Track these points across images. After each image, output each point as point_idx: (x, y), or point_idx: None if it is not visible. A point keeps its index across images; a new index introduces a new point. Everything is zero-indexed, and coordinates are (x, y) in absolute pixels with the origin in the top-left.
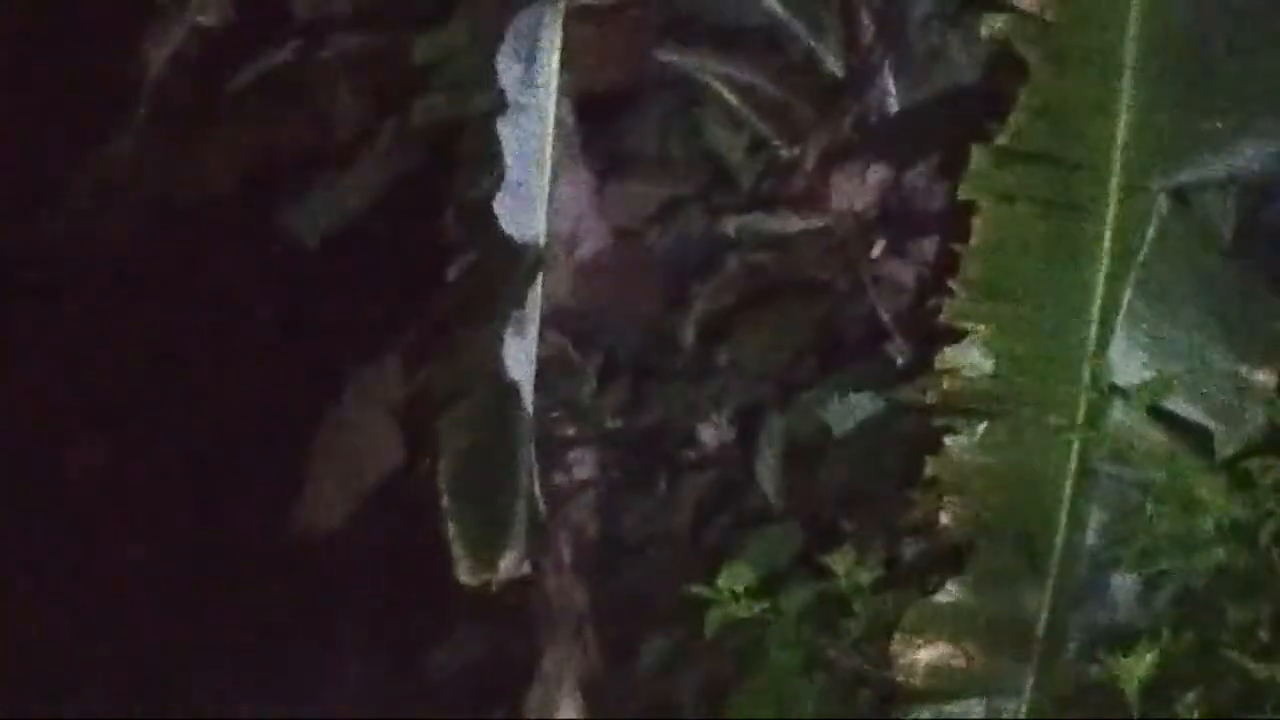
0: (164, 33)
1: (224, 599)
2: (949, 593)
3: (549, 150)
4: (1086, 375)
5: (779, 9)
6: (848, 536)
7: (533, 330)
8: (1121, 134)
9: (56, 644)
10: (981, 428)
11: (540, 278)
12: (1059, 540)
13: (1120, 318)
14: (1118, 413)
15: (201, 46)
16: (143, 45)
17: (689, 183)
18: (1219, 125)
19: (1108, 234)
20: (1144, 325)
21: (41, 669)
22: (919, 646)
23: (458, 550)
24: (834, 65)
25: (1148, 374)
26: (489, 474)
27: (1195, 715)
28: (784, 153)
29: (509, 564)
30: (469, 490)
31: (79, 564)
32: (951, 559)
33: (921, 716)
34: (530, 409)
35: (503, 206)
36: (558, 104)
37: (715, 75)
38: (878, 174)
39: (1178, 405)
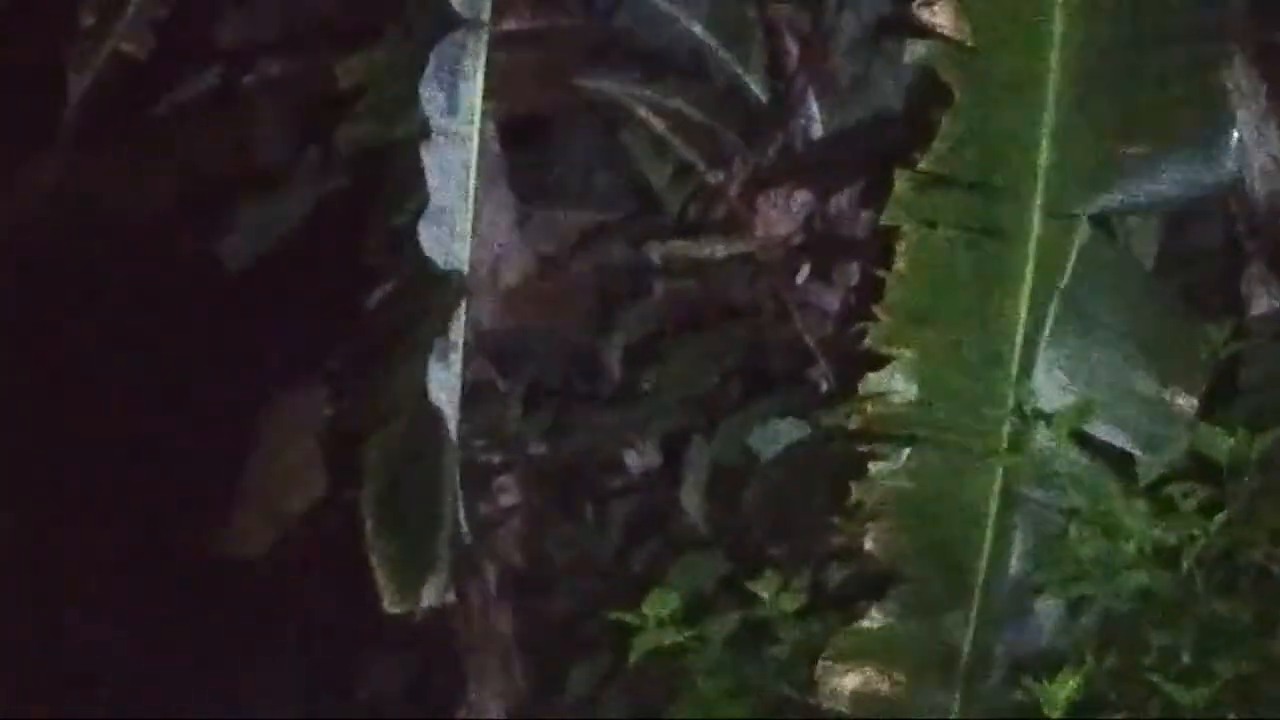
0: (85, 60)
1: (148, 626)
2: (874, 619)
3: (473, 176)
4: (1010, 400)
5: (704, 35)
6: (773, 562)
7: (457, 357)
8: (1044, 160)
9: None
10: (906, 453)
11: (464, 304)
12: (983, 565)
13: (1043, 343)
14: (1041, 438)
15: (124, 73)
16: (64, 72)
17: (614, 209)
18: (1143, 150)
19: (1030, 259)
20: (1067, 350)
21: None
22: (844, 672)
23: (382, 578)
24: (759, 91)
25: (1071, 399)
26: (413, 501)
27: None
28: (709, 178)
29: (433, 592)
30: (393, 518)
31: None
32: (877, 585)
33: None
34: (454, 436)
35: (426, 233)
36: (482, 130)
37: (640, 101)
38: (802, 199)
39: (1101, 430)
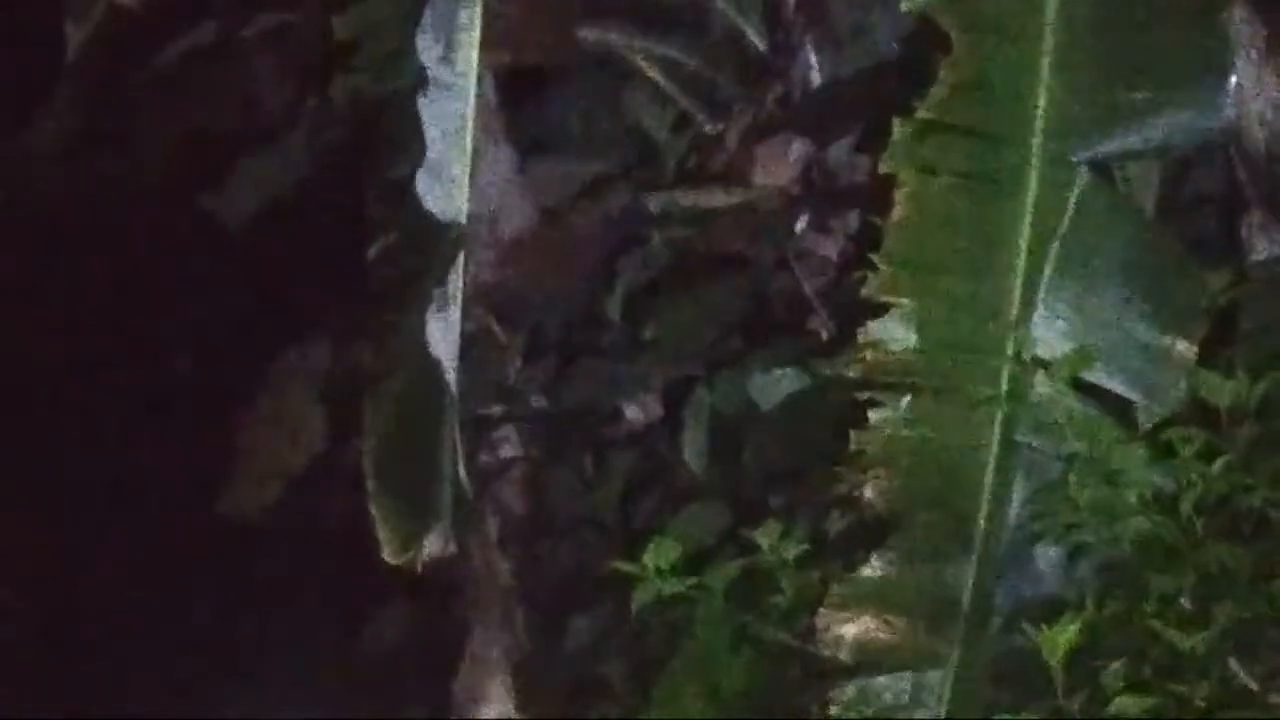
0: (83, 13)
1: (152, 580)
2: (874, 567)
3: (470, 128)
4: (1009, 348)
5: None
6: (773, 511)
7: (456, 309)
8: (1042, 106)
9: None
10: (905, 401)
11: (463, 256)
12: (983, 513)
13: (1042, 290)
14: (1040, 385)
15: (121, 27)
16: (62, 26)
17: (613, 160)
18: (1139, 97)
19: (1029, 206)
20: (1065, 297)
21: None
22: (845, 621)
23: (383, 530)
24: (757, 41)
25: (1069, 346)
26: (413, 454)
27: (1119, 685)
28: (708, 129)
29: (434, 544)
30: (393, 470)
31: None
32: (877, 533)
33: (848, 690)
34: (454, 388)
35: (424, 185)
36: (480, 82)
37: (639, 52)
38: (801, 149)
39: (1100, 377)
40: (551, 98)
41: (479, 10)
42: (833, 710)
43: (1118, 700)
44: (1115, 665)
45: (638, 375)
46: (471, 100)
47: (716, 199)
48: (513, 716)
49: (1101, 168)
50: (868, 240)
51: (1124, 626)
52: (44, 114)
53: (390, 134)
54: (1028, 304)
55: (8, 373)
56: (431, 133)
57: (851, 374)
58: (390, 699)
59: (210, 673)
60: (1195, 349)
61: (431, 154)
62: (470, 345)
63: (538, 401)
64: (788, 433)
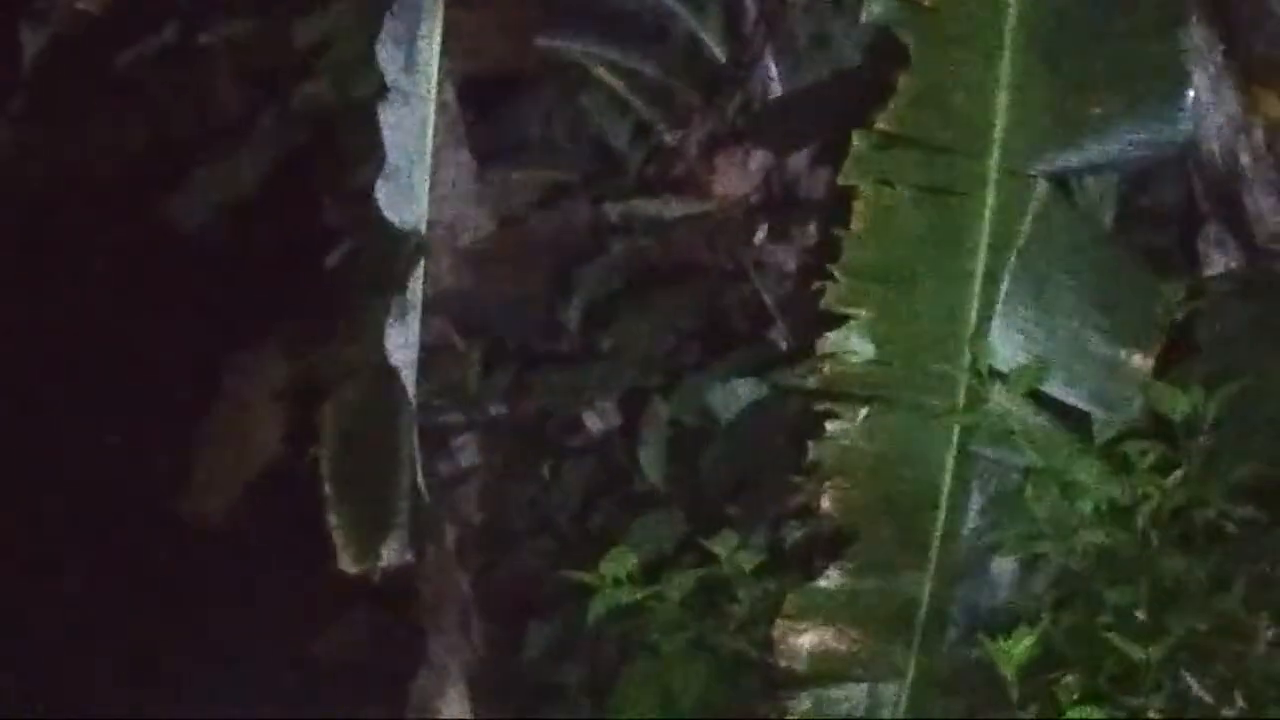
0: (42, 17)
1: (106, 585)
2: (831, 577)
3: (430, 136)
4: (966, 360)
5: None
6: (731, 521)
7: (415, 317)
8: (1001, 119)
9: None
10: (863, 412)
11: (422, 264)
12: (939, 524)
13: (999, 302)
14: (997, 397)
15: (80, 31)
16: (20, 30)
17: (572, 169)
18: (1098, 110)
19: (987, 219)
20: (1023, 310)
21: None
22: (802, 631)
23: (340, 538)
24: (717, 51)
25: (1027, 358)
26: (371, 462)
27: (1074, 696)
28: (668, 138)
29: (391, 552)
30: (351, 478)
31: None
32: (834, 543)
33: (804, 700)
34: (413, 396)
35: (384, 192)
36: (440, 89)
37: (599, 61)
38: (760, 159)
39: (1057, 389)
40: (511, 107)
41: (439, 20)
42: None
43: (1072, 711)
44: (1070, 677)
45: (596, 384)
46: (431, 109)
47: (676, 209)
48: None
49: (1059, 181)
50: (827, 251)
51: (1079, 638)
52: (1, 117)
53: (350, 142)
54: (985, 316)
55: None
56: (391, 141)
57: (810, 384)
58: (347, 706)
59: (166, 676)
60: (1151, 362)
61: (391, 162)
62: (429, 354)
63: (496, 410)
64: (746, 443)
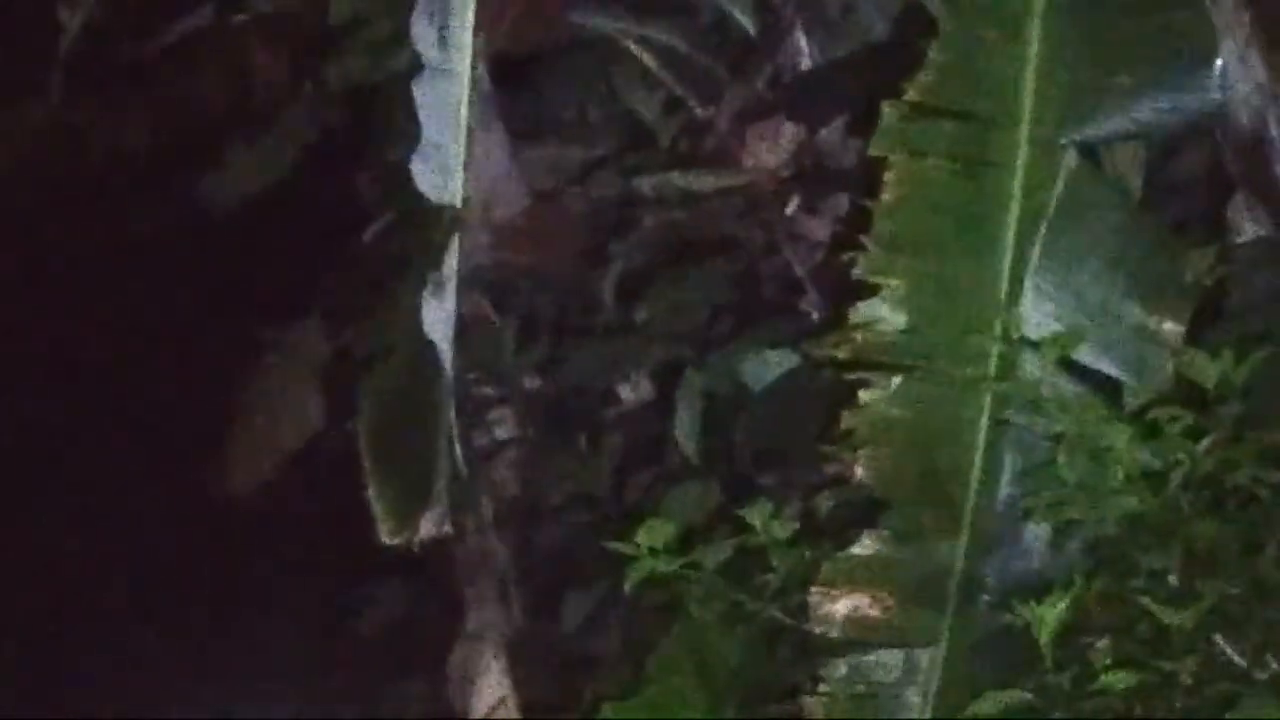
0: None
1: (147, 561)
2: (865, 545)
3: (464, 112)
4: (998, 328)
5: None
6: (765, 491)
7: (451, 291)
8: (1030, 88)
9: None
10: (895, 381)
11: (457, 239)
12: (972, 492)
13: (1030, 271)
14: (1029, 365)
15: (117, 11)
16: (57, 10)
17: (605, 143)
18: (1128, 79)
19: (1017, 188)
20: (1054, 278)
21: None
22: (836, 599)
23: (378, 510)
24: (747, 24)
25: (1058, 326)
26: (409, 435)
27: (1107, 661)
28: (699, 112)
29: (430, 524)
30: (389, 451)
31: None
32: (867, 512)
33: (839, 667)
34: (449, 369)
35: (419, 168)
36: (473, 66)
37: (630, 36)
38: (791, 132)
39: (1087, 356)
40: (544, 82)
41: None
42: (824, 687)
43: (1105, 676)
44: (1103, 642)
45: (630, 357)
46: (466, 84)
47: (708, 182)
48: (508, 694)
49: (1089, 150)
50: (858, 222)
51: (1112, 603)
52: (38, 98)
53: (385, 118)
54: (1016, 285)
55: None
56: (425, 117)
57: (842, 354)
58: (386, 677)
59: (204, 650)
60: (1182, 329)
61: (426, 138)
62: (465, 328)
63: (532, 383)
64: (779, 413)
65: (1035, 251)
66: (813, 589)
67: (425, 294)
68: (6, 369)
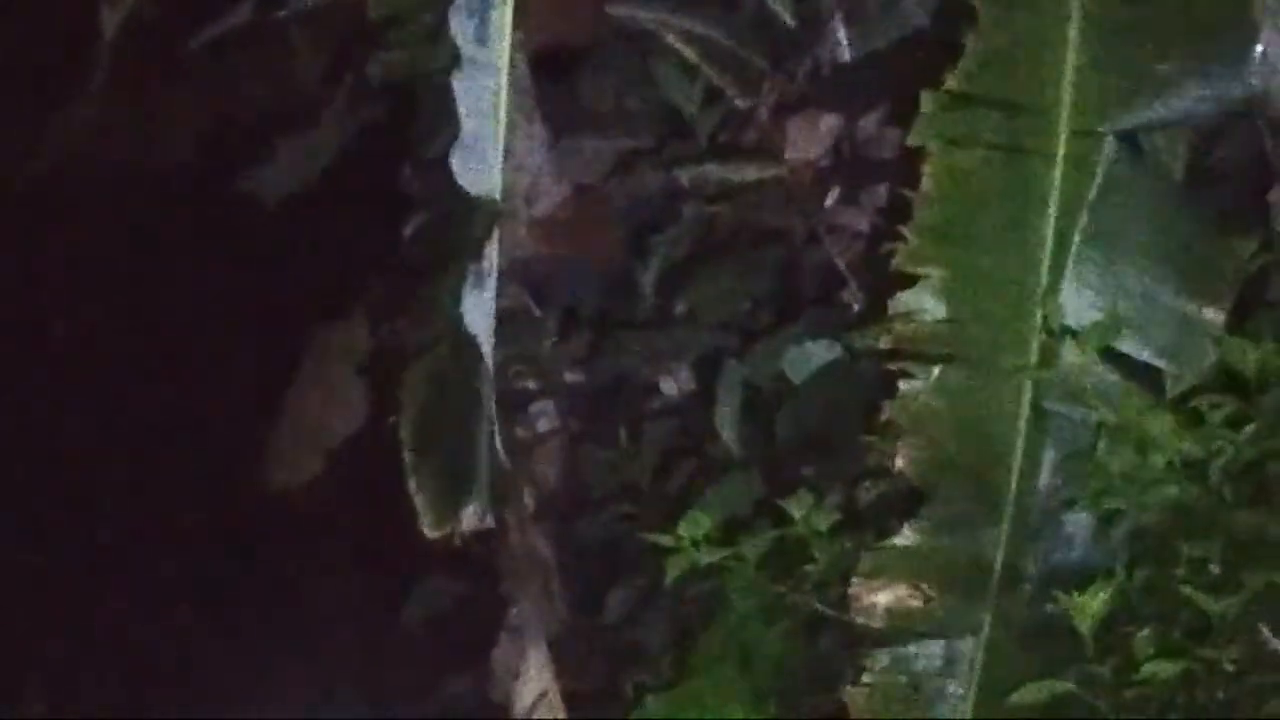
0: None
1: (193, 557)
2: (906, 535)
3: (504, 105)
4: (1038, 317)
5: None
6: (806, 482)
7: (491, 284)
8: (1070, 77)
9: (20, 603)
10: (936, 371)
11: (497, 232)
12: (1014, 481)
13: (1071, 260)
14: (1070, 354)
15: (158, 8)
16: (98, 8)
17: (645, 136)
18: (1168, 68)
19: (1057, 177)
20: (1095, 267)
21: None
22: (877, 589)
23: (421, 504)
24: (786, 16)
25: (1099, 315)
26: (450, 428)
27: (1150, 650)
28: (739, 104)
29: (472, 517)
30: (430, 444)
31: (43, 527)
32: (908, 502)
33: (881, 658)
34: (490, 362)
35: (459, 162)
36: (512, 60)
37: (669, 28)
38: (831, 122)
39: (1129, 345)
40: (584, 75)
41: None
42: (866, 678)
43: (1148, 665)
44: (1145, 630)
45: (671, 349)
46: (505, 78)
47: (748, 173)
48: (550, 687)
49: (1129, 138)
50: (898, 212)
51: (1154, 592)
52: (81, 96)
53: (425, 112)
54: (1057, 274)
55: (47, 349)
56: (465, 111)
57: (882, 345)
58: (430, 672)
59: (248, 646)
60: (1223, 317)
61: (466, 131)
62: (505, 320)
63: (573, 376)
64: (820, 404)
65: (1075, 240)
66: (854, 580)
67: (466, 287)
68: (53, 366)
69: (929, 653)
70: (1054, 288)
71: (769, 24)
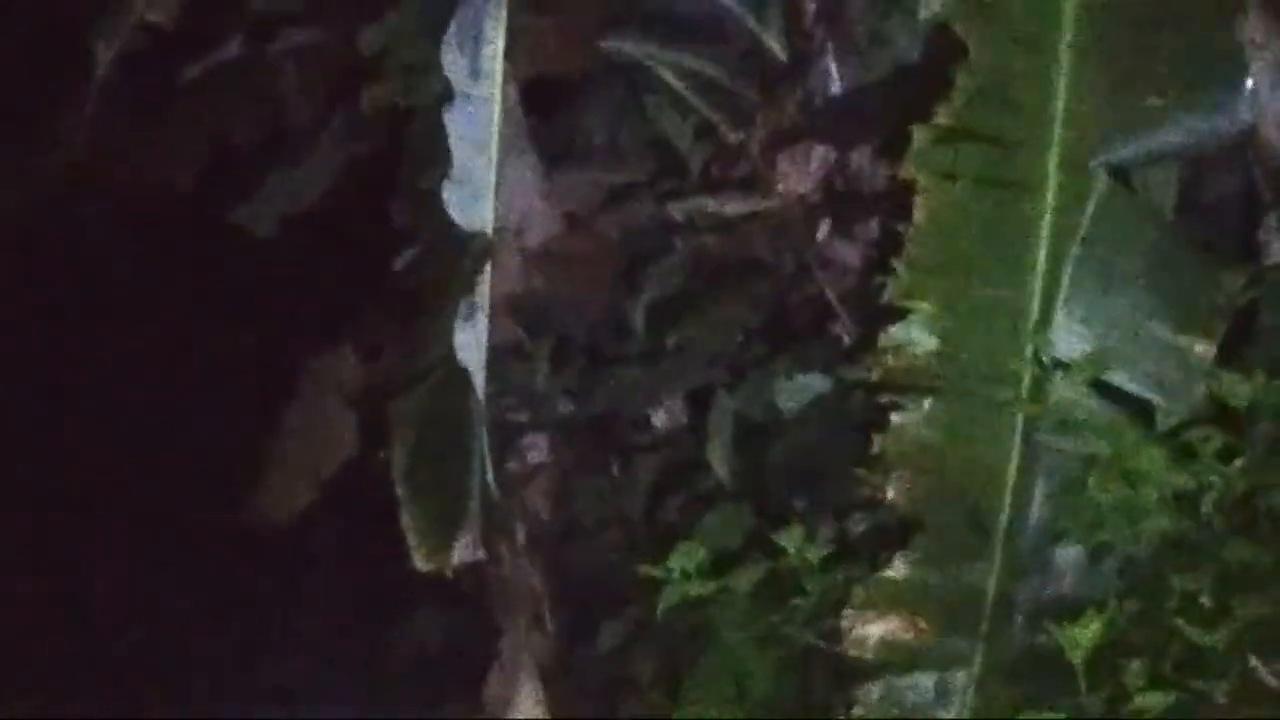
0: (112, 29)
1: (182, 589)
2: (898, 568)
3: (495, 139)
4: (1029, 350)
5: None
6: (798, 515)
7: (482, 317)
8: (1060, 111)
9: (6, 639)
10: (927, 404)
11: (489, 265)
12: (1005, 514)
13: (1062, 293)
14: (1060, 387)
15: (150, 42)
16: (91, 42)
17: (636, 169)
18: (1158, 101)
19: (1048, 210)
20: (1086, 300)
21: None
22: (869, 622)
23: (413, 537)
24: (778, 49)
25: (1089, 348)
26: (442, 461)
27: (1141, 682)
28: (730, 137)
29: (463, 550)
30: (422, 477)
31: (34, 556)
32: (900, 534)
33: (873, 690)
34: (482, 395)
35: (450, 195)
36: (505, 92)
37: (661, 62)
38: (822, 156)
39: (1119, 378)
40: (575, 108)
41: (503, 23)
42: (858, 710)
43: (1139, 697)
44: (1137, 663)
45: (663, 381)
46: (497, 111)
47: (739, 206)
48: (543, 718)
49: (1120, 172)
50: (889, 246)
51: (1145, 624)
52: (73, 130)
53: (417, 145)
54: (1048, 307)
55: (36, 380)
56: (457, 143)
57: (873, 377)
58: (422, 704)
59: (241, 678)
60: (1213, 350)
61: (457, 164)
62: (497, 353)
63: (564, 408)
64: (811, 437)
65: (1066, 274)
66: (846, 612)
67: (457, 320)
68: (42, 397)
69: (921, 685)
70: (1045, 321)
71: (760, 57)
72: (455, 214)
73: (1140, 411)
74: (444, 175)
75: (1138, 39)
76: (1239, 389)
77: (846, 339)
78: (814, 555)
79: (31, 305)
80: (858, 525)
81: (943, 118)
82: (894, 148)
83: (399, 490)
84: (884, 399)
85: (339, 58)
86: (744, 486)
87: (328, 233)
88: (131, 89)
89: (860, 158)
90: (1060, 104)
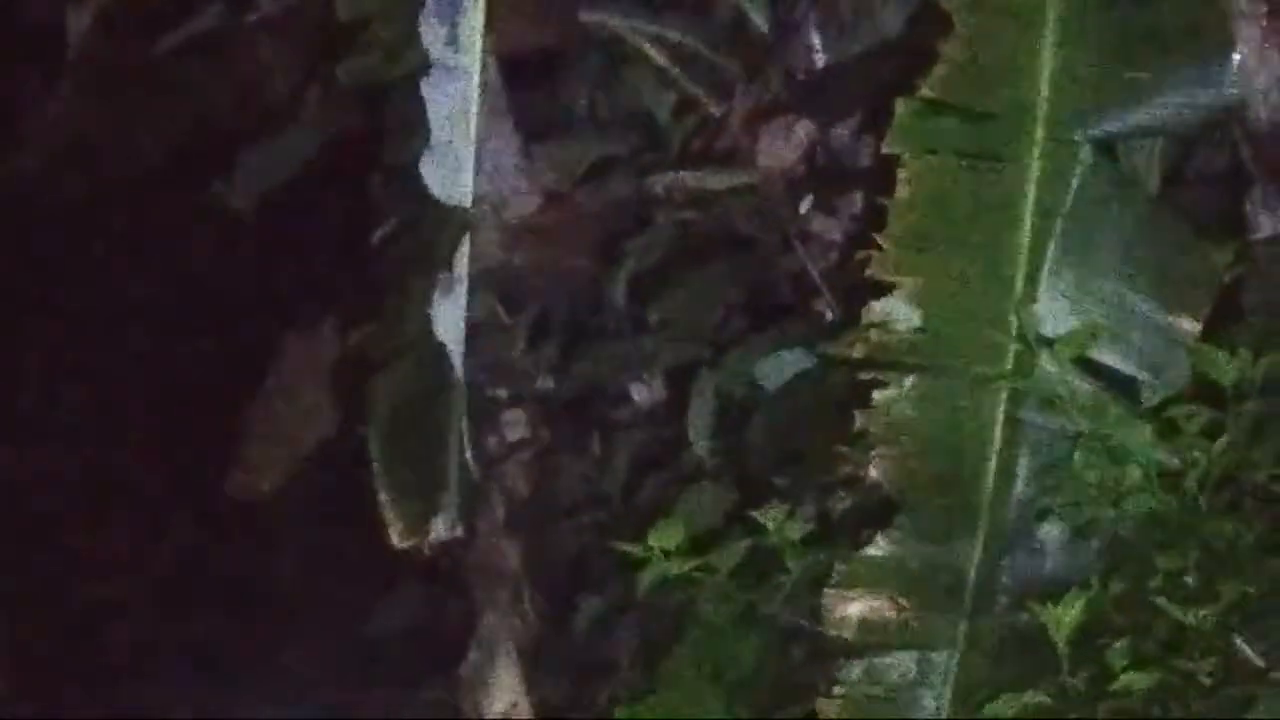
0: (84, 2)
1: (159, 565)
2: (880, 546)
3: (475, 111)
4: (1013, 326)
5: None
6: (779, 492)
7: (461, 292)
8: (1044, 85)
9: None
10: (909, 380)
11: (468, 239)
12: (988, 491)
13: (1046, 268)
14: (1044, 363)
15: (124, 14)
16: (64, 12)
17: (617, 143)
18: (1143, 75)
19: (1032, 185)
20: (1070, 275)
21: None
22: (851, 600)
23: (390, 514)
24: (760, 23)
25: (1074, 324)
26: (419, 437)
27: (1125, 662)
28: (712, 111)
29: (441, 527)
30: (400, 454)
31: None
32: (882, 512)
33: (854, 669)
34: (460, 371)
35: (429, 169)
36: (484, 65)
37: (642, 34)
38: (805, 130)
39: (1104, 354)
40: (555, 81)
41: None
42: (838, 689)
43: (1123, 677)
44: (1121, 642)
45: (643, 357)
46: (476, 84)
47: (720, 181)
48: (520, 698)
49: (1105, 146)
50: (872, 220)
51: (1129, 603)
52: (47, 102)
53: (395, 118)
54: (1031, 282)
55: (14, 359)
56: (436, 116)
57: (856, 354)
58: (399, 682)
59: (217, 657)
60: (1199, 326)
61: (436, 138)
62: (476, 329)
63: (544, 384)
64: (793, 413)
65: (1050, 249)
66: (827, 591)
67: (436, 295)
68: (21, 373)
69: (902, 664)
70: (1029, 296)
71: (742, 30)
72: (434, 187)
73: (1125, 388)
74: (422, 149)
75: (1123, 11)
76: (1224, 366)
77: (829, 315)
78: (795, 533)
79: (4, 278)
80: (840, 503)
81: (926, 91)
82: (877, 122)
83: (376, 467)
84: (867, 375)
85: (316, 28)
86: (725, 464)
87: (305, 206)
88: (104, 60)
89: (843, 131)
90: (1044, 77)
